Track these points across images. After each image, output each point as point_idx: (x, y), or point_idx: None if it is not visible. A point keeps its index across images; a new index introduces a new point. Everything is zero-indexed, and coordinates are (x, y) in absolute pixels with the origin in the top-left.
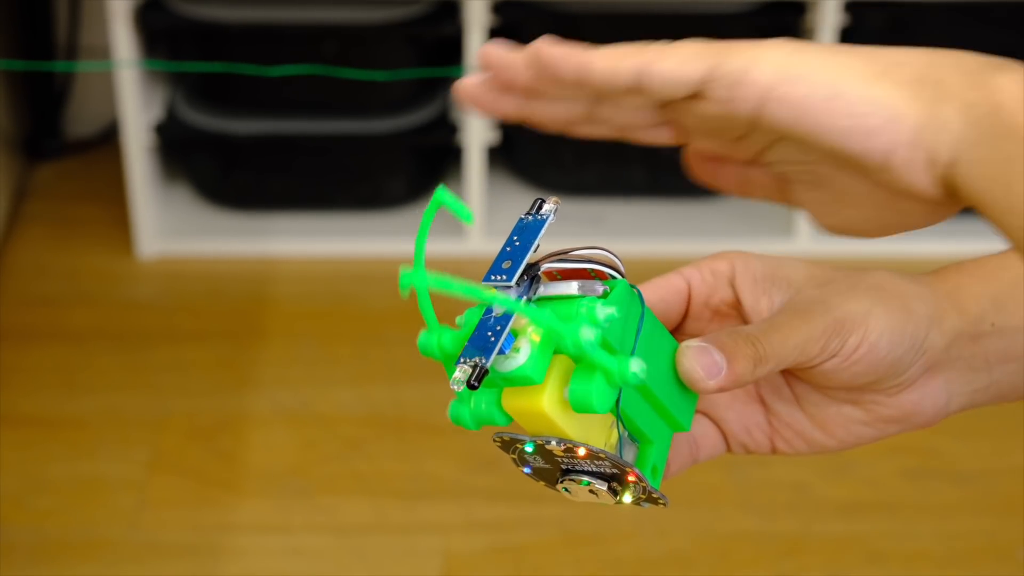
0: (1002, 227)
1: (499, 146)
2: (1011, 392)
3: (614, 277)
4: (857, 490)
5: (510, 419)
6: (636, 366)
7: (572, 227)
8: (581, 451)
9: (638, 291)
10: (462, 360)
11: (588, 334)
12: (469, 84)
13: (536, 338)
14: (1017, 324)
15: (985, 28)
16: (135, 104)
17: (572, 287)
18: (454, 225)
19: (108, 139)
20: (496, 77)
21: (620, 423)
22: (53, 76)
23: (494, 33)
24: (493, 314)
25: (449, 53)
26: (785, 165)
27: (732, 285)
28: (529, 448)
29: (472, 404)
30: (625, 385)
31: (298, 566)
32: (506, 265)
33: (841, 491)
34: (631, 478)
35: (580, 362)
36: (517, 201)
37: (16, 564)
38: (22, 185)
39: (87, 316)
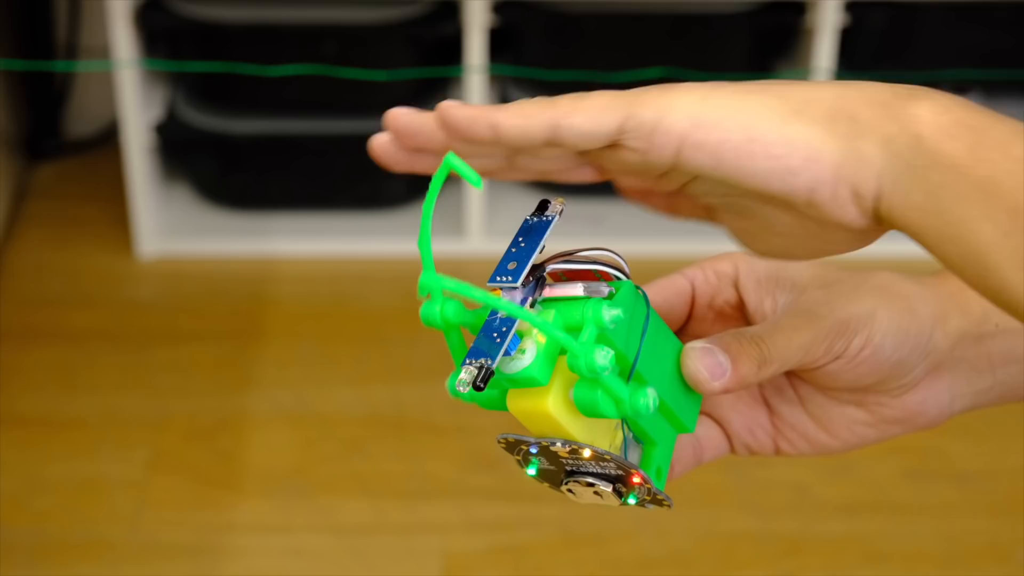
0: (938, 255)
1: None
2: (1014, 393)
3: (619, 278)
4: (857, 490)
5: (503, 400)
6: (650, 398)
7: (572, 227)
8: (586, 453)
9: (643, 292)
10: (468, 361)
11: (602, 359)
12: (381, 143)
13: (542, 339)
14: (1021, 325)
15: (985, 28)
16: (135, 104)
17: (577, 288)
18: (455, 225)
19: (108, 139)
20: (407, 142)
21: (625, 425)
22: (53, 76)
23: (494, 33)
24: (498, 315)
25: (449, 53)
26: (709, 197)
27: (736, 286)
28: (534, 450)
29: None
30: (636, 416)
31: (298, 566)
32: (512, 266)
33: (841, 491)
34: (636, 480)
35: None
36: (518, 201)
37: (16, 564)
38: (22, 185)
39: (87, 316)
